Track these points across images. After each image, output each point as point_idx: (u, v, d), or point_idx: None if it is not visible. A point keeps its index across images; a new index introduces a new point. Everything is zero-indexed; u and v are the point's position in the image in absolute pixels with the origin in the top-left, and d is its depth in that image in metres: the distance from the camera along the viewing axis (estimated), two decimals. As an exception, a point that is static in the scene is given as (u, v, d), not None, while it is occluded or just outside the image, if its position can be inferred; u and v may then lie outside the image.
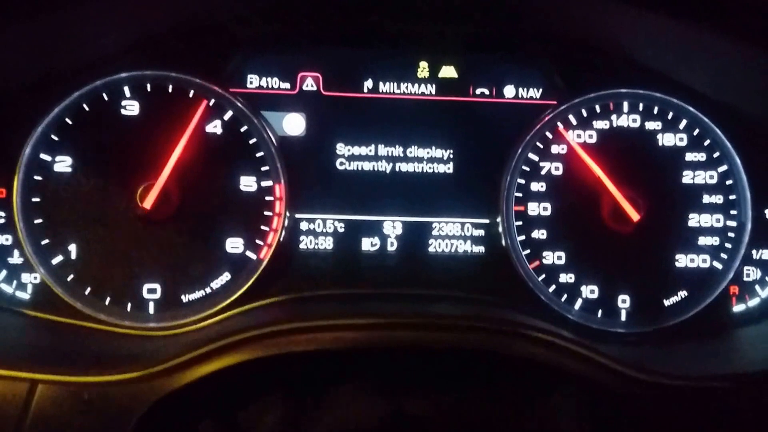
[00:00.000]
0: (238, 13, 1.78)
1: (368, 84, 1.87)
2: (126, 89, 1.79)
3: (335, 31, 1.86)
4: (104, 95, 1.79)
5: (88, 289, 1.77)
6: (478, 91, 1.88)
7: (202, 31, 1.80)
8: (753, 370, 1.62)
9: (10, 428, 1.41)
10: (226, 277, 1.82)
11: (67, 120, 1.78)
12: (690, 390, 1.53)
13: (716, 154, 1.87)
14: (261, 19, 1.80)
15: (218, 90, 1.80)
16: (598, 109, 1.87)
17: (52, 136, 1.77)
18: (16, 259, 1.79)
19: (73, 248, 1.77)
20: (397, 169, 1.88)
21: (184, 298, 1.80)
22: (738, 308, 1.89)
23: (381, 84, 1.87)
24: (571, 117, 1.87)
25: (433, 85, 1.88)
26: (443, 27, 1.84)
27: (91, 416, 1.42)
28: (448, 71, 1.87)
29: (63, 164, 1.77)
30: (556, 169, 1.87)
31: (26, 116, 1.75)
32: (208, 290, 1.81)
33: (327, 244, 1.87)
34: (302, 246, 1.86)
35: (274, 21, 1.81)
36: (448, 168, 1.88)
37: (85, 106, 1.78)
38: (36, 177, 1.76)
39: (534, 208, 1.86)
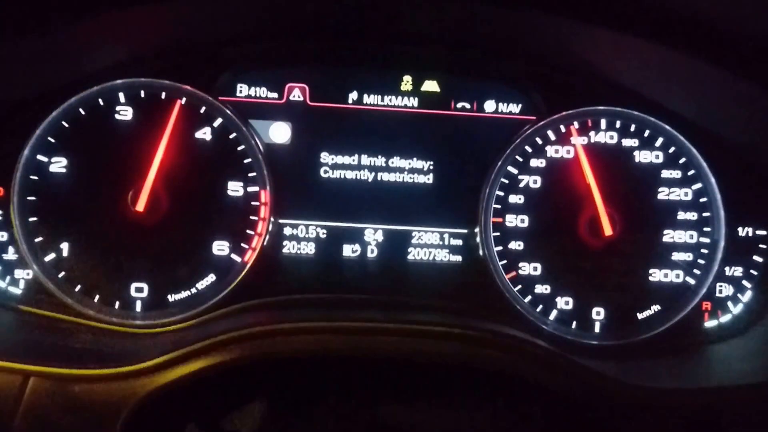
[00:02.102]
0: (231, 30, 1.85)
1: (353, 96, 1.93)
2: (120, 95, 1.86)
3: (322, 46, 1.92)
4: (100, 101, 1.85)
5: (79, 286, 1.83)
6: (459, 105, 1.94)
7: (196, 46, 1.86)
8: (723, 385, 1.65)
9: (4, 418, 1.46)
10: (211, 278, 1.87)
11: (64, 123, 1.84)
12: (661, 403, 1.56)
13: (691, 172, 1.91)
14: (252, 37, 1.87)
15: (209, 98, 1.86)
16: (576, 125, 1.92)
17: (50, 139, 1.83)
18: (10, 255, 1.86)
19: (65, 246, 1.83)
20: (378, 179, 1.93)
21: (170, 298, 1.86)
22: (710, 324, 1.92)
23: (365, 96, 1.93)
24: (549, 132, 1.92)
25: (416, 99, 1.93)
26: (427, 48, 1.90)
27: (80, 410, 1.48)
28: (430, 85, 1.93)
29: (58, 165, 1.84)
30: (534, 182, 1.91)
31: (26, 120, 1.82)
32: (193, 291, 1.86)
33: (309, 249, 1.92)
34: (285, 250, 1.92)
35: (265, 39, 1.88)
36: (429, 179, 1.93)
37: (81, 110, 1.85)
38: (33, 177, 1.83)
39: (512, 220, 1.91)
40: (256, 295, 1.87)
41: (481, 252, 1.89)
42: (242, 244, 1.87)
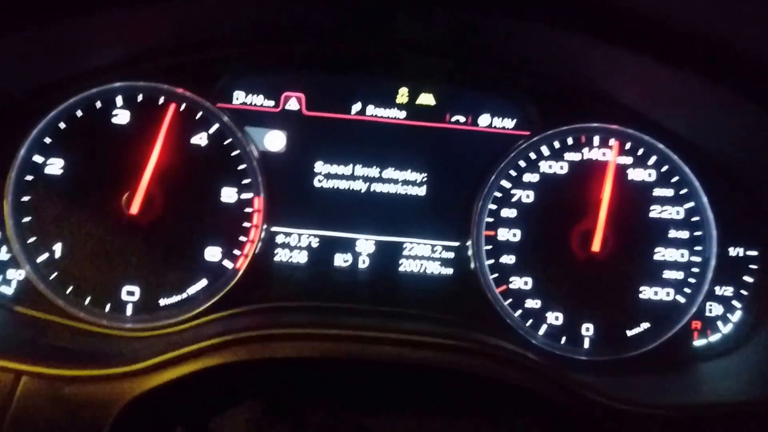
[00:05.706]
0: (228, 37, 1.86)
1: (348, 106, 1.93)
2: (118, 99, 1.87)
3: (319, 56, 1.93)
4: (97, 103, 1.86)
5: (70, 288, 1.83)
6: (454, 118, 1.94)
7: (194, 49, 1.88)
8: (710, 402, 1.66)
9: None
10: (202, 283, 1.87)
11: (60, 124, 1.85)
12: (646, 419, 1.56)
13: (684, 191, 1.91)
14: (249, 44, 1.88)
15: (206, 104, 1.87)
16: (570, 141, 1.93)
17: (46, 139, 1.84)
18: (2, 255, 1.86)
19: (58, 247, 1.84)
20: (372, 190, 1.93)
21: (161, 302, 1.86)
22: (699, 343, 1.92)
23: (361, 107, 1.93)
24: (543, 148, 1.92)
25: (411, 111, 1.94)
26: (425, 58, 1.91)
27: (70, 411, 1.47)
28: (426, 98, 1.94)
29: (54, 166, 1.85)
30: (527, 196, 1.92)
31: (22, 119, 1.83)
32: (184, 296, 1.87)
33: (301, 257, 1.92)
34: (277, 258, 1.92)
35: (262, 46, 1.89)
36: (422, 191, 1.94)
37: (78, 112, 1.86)
38: (27, 177, 1.83)
39: (504, 234, 1.91)
40: (247, 301, 1.87)
41: (472, 265, 1.90)
42: (234, 251, 1.88)
